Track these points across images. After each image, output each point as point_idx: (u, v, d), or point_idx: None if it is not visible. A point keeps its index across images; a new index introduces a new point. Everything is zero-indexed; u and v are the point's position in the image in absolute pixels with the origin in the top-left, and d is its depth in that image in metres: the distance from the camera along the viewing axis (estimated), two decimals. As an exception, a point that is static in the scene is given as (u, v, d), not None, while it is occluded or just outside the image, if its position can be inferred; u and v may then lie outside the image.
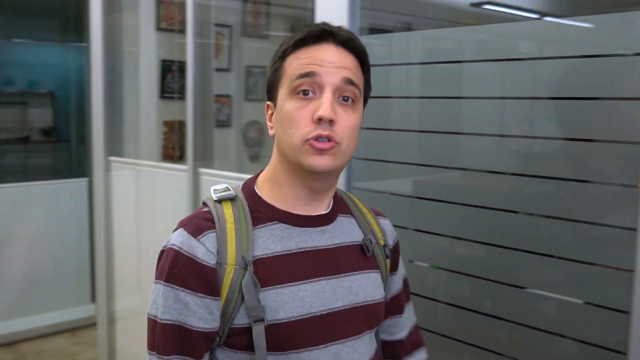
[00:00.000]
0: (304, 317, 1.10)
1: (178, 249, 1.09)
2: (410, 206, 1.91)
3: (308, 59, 1.09)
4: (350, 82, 1.09)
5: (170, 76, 3.39)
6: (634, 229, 1.38)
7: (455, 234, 1.81)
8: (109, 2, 3.25)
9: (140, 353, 3.16)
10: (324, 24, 1.14)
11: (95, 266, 3.49)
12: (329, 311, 1.12)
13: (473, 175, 1.80)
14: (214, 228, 1.10)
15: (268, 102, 1.19)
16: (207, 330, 1.08)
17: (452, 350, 1.79)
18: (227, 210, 1.13)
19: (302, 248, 1.14)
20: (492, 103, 1.76)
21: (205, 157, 2.82)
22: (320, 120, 1.06)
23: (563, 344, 1.60)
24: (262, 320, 1.06)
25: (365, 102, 1.18)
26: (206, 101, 2.91)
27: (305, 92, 1.08)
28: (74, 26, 5.03)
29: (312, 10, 1.99)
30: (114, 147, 3.33)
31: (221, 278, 1.08)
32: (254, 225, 1.13)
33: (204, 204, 1.17)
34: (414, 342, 1.36)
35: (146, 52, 3.44)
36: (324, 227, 1.18)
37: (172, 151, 3.40)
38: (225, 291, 1.08)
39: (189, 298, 1.07)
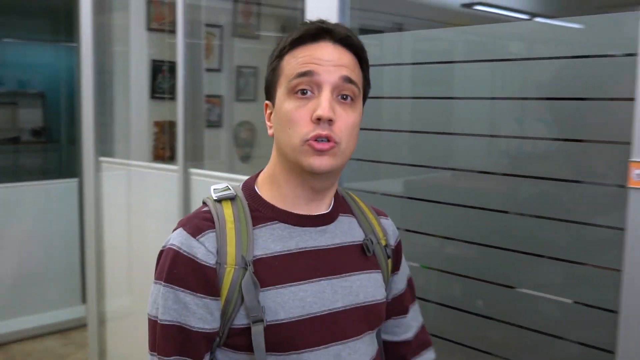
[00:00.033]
0: (304, 317, 1.09)
1: (177, 249, 1.08)
2: (401, 206, 1.91)
3: (305, 57, 1.08)
4: (348, 80, 1.08)
5: (161, 76, 3.38)
6: (622, 229, 1.38)
7: (445, 234, 1.81)
8: (99, 2, 3.24)
9: (130, 354, 3.16)
10: (321, 21, 1.12)
11: (86, 267, 3.48)
12: (329, 311, 1.12)
13: (464, 176, 1.80)
14: (214, 228, 1.10)
15: (267, 102, 1.18)
16: (207, 331, 1.08)
17: (442, 350, 1.79)
18: (227, 209, 1.13)
19: (302, 248, 1.13)
20: (483, 103, 1.76)
21: (195, 158, 2.82)
22: (319, 119, 1.05)
23: (553, 344, 1.60)
24: (262, 320, 1.05)
25: (364, 99, 1.17)
26: (197, 101, 2.90)
27: (303, 92, 1.07)
28: (64, 26, 5.01)
29: (302, 11, 1.99)
30: (105, 147, 3.31)
31: (221, 278, 1.07)
32: (254, 225, 1.12)
33: (204, 203, 1.17)
34: (421, 342, 1.34)
35: (137, 52, 3.44)
36: (324, 227, 1.17)
37: (163, 151, 3.39)
38: (225, 291, 1.07)
39: (188, 298, 1.06)
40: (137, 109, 3.44)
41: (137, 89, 3.41)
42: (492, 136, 1.77)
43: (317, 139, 1.05)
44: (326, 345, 1.10)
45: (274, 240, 1.12)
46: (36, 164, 5.51)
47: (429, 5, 2.23)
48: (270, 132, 1.17)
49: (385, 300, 1.24)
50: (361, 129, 1.16)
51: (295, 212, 1.15)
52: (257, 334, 1.04)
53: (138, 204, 3.09)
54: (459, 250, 1.81)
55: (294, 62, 1.09)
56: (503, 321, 1.69)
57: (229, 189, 1.17)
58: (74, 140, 4.76)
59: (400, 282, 1.32)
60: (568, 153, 1.60)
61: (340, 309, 1.13)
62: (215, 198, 1.14)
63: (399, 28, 2.17)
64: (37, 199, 4.43)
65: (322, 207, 1.18)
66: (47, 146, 5.51)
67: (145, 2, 3.39)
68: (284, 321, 1.07)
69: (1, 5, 4.80)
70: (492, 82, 1.77)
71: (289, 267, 1.10)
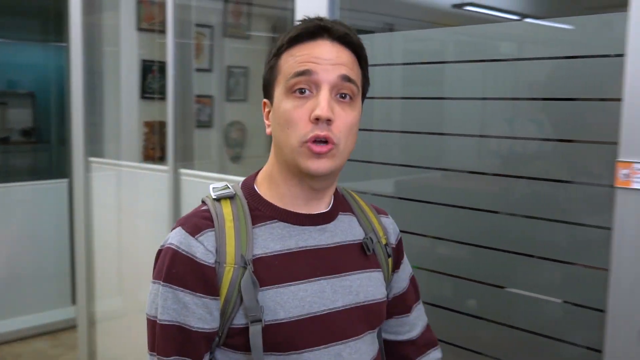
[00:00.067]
0: (304, 317, 1.08)
1: (176, 248, 1.07)
2: (392, 206, 1.91)
3: (303, 56, 1.07)
4: (347, 79, 1.07)
5: (151, 76, 3.37)
6: (609, 228, 1.39)
7: (436, 234, 1.82)
8: (89, 2, 3.23)
9: (121, 355, 3.15)
10: (319, 19, 1.11)
11: (76, 268, 3.46)
12: (329, 311, 1.11)
13: (454, 176, 1.81)
14: (213, 227, 1.08)
15: (265, 100, 1.17)
16: (207, 331, 1.07)
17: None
18: (226, 208, 1.12)
19: (302, 247, 1.12)
20: (474, 104, 1.77)
21: (185, 158, 2.81)
22: (317, 119, 1.04)
23: (543, 343, 1.61)
24: (260, 320, 1.04)
25: (363, 97, 1.17)
26: (187, 101, 2.90)
27: (301, 91, 1.06)
28: (54, 26, 4.98)
29: (292, 11, 1.99)
30: (95, 147, 3.30)
31: (220, 277, 1.06)
32: (253, 224, 1.11)
33: (203, 202, 1.16)
34: (426, 341, 1.32)
35: (127, 52, 3.43)
36: (324, 226, 1.16)
37: (153, 152, 3.39)
38: (224, 291, 1.06)
39: (187, 298, 1.05)
40: (127, 109, 3.43)
41: (127, 89, 3.40)
42: (482, 136, 1.77)
43: (316, 139, 1.04)
44: (326, 345, 1.09)
45: (273, 239, 1.11)
46: (26, 164, 5.49)
47: (420, 5, 2.24)
48: (268, 130, 1.16)
49: (385, 299, 1.23)
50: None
51: (295, 211, 1.14)
52: (255, 334, 1.04)
53: (128, 205, 3.08)
54: (450, 251, 1.82)
55: (292, 60, 1.08)
56: (493, 321, 1.70)
57: (228, 187, 1.16)
58: (64, 140, 4.75)
59: (402, 281, 1.31)
60: (558, 153, 1.61)
61: (340, 309, 1.12)
62: (214, 197, 1.13)
63: (390, 28, 2.18)
64: (27, 200, 4.41)
65: (322, 206, 1.17)
66: (37, 146, 5.48)
67: (135, 2, 3.38)
68: (283, 321, 1.06)
69: (-10, 5, 4.78)
70: (483, 82, 1.77)
71: (288, 267, 1.09)
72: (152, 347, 1.09)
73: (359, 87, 1.12)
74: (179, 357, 1.06)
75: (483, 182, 1.74)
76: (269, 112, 1.16)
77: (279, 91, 1.10)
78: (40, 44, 5.51)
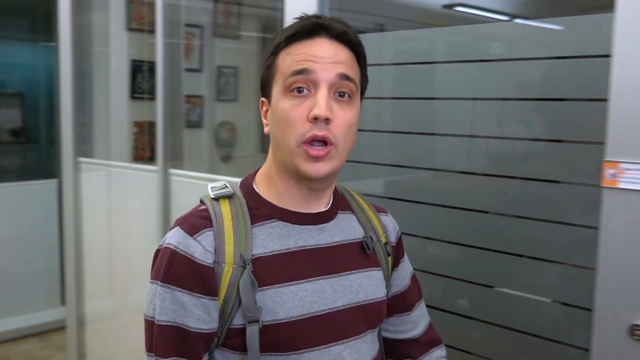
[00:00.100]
0: (304, 317, 1.07)
1: (174, 248, 1.06)
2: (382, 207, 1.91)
3: (301, 55, 1.06)
4: (346, 77, 1.06)
5: (141, 76, 3.36)
6: (596, 228, 1.40)
7: (425, 234, 1.82)
8: (79, 1, 3.22)
9: (110, 356, 3.14)
10: (317, 16, 1.10)
11: (65, 268, 3.45)
12: (329, 311, 1.10)
13: (444, 176, 1.81)
14: (211, 226, 1.08)
15: (262, 99, 1.16)
16: (205, 331, 1.06)
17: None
18: (225, 208, 1.11)
19: (301, 246, 1.11)
20: (464, 104, 1.77)
21: (175, 158, 2.80)
22: (315, 119, 1.03)
23: (532, 342, 1.62)
24: (257, 321, 1.03)
25: (362, 95, 1.15)
26: (176, 101, 2.89)
27: (299, 90, 1.05)
28: (43, 25, 4.96)
29: (282, 11, 1.99)
30: (84, 148, 3.29)
31: (219, 277, 1.05)
32: (252, 223, 1.10)
33: (201, 201, 1.15)
34: (430, 340, 1.31)
35: (116, 52, 3.42)
36: (323, 225, 1.15)
37: (143, 152, 3.37)
38: (223, 291, 1.05)
39: (186, 298, 1.04)
40: (116, 109, 3.42)
41: (116, 89, 3.39)
42: (472, 136, 1.78)
43: (314, 139, 1.03)
44: (327, 345, 1.09)
45: (272, 239, 1.10)
46: (15, 164, 5.45)
47: (410, 6, 2.24)
48: (266, 129, 1.15)
49: (385, 298, 1.22)
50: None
51: (294, 210, 1.13)
52: (252, 335, 1.03)
53: (118, 205, 3.07)
54: (440, 250, 1.82)
55: (290, 59, 1.07)
56: (483, 320, 1.70)
57: (227, 186, 1.15)
58: (53, 140, 4.72)
59: (402, 279, 1.30)
60: (548, 153, 1.62)
61: (341, 308, 1.11)
62: (212, 196, 1.12)
63: (380, 29, 2.18)
64: (16, 200, 4.39)
65: (321, 205, 1.16)
66: (26, 146, 5.44)
67: (125, 1, 3.37)
68: (283, 321, 1.05)
69: (-21, 4, 4.75)
70: (473, 82, 1.78)
71: (288, 266, 1.09)
72: (150, 347, 1.08)
73: (358, 86, 1.11)
74: (177, 357, 1.05)
75: (473, 182, 1.75)
76: (266, 111, 1.15)
77: (276, 90, 1.09)
78: (29, 43, 5.48)
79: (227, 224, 1.08)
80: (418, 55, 1.92)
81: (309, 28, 1.08)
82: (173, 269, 1.05)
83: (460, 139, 1.79)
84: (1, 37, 5.26)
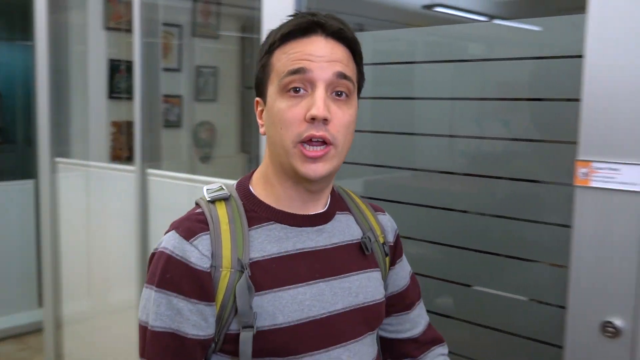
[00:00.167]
0: (303, 321, 1.05)
1: (170, 252, 1.03)
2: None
3: (297, 53, 1.04)
4: (343, 76, 1.04)
5: (119, 76, 3.34)
6: (569, 226, 1.42)
7: (404, 233, 1.82)
8: (55, 0, 3.18)
9: (88, 358, 3.11)
10: (312, 14, 1.07)
11: (42, 270, 3.41)
12: (329, 314, 1.08)
13: (423, 175, 1.82)
14: (208, 230, 1.05)
15: (257, 99, 1.14)
16: (202, 338, 1.03)
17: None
18: (221, 210, 1.08)
19: (300, 249, 1.09)
20: (443, 103, 1.78)
21: (153, 158, 2.79)
22: (313, 119, 1.01)
23: (508, 340, 1.63)
24: (252, 327, 1.01)
25: (359, 93, 1.14)
26: (154, 101, 2.88)
27: (296, 90, 1.03)
28: (20, 24, 4.90)
29: (259, 11, 1.98)
30: (62, 148, 3.26)
31: (216, 282, 1.03)
32: (249, 226, 1.08)
33: (197, 204, 1.12)
34: (430, 339, 1.30)
35: (94, 51, 3.39)
36: (321, 226, 1.13)
37: (121, 152, 3.35)
38: (220, 296, 1.03)
39: (182, 304, 1.02)
40: (94, 109, 3.39)
41: (94, 89, 3.36)
42: (450, 136, 1.79)
43: (312, 139, 1.02)
44: (326, 349, 1.07)
45: (270, 242, 1.08)
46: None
47: (390, 6, 2.25)
48: (261, 130, 1.13)
49: (384, 299, 1.20)
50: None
51: (292, 212, 1.11)
52: (245, 341, 1.01)
53: (95, 205, 3.04)
54: (418, 249, 1.83)
55: (285, 58, 1.05)
56: (461, 319, 1.72)
57: (223, 189, 1.13)
58: (30, 140, 4.67)
59: (401, 279, 1.29)
60: (525, 153, 1.63)
61: (340, 311, 1.10)
62: (208, 199, 1.10)
63: (360, 28, 2.18)
64: (-7, 201, 4.34)
65: (319, 206, 1.15)
66: (3, 147, 5.38)
67: (103, 0, 3.34)
68: (282, 325, 1.03)
69: (-46, 2, 4.68)
70: (452, 82, 1.79)
71: (287, 270, 1.07)
72: (143, 353, 1.05)
73: (355, 84, 1.09)
74: None
75: (451, 181, 1.75)
76: (262, 111, 1.13)
77: (272, 90, 1.07)
78: (5, 42, 5.41)
79: (224, 227, 1.06)
80: (397, 55, 1.92)
81: (304, 26, 1.06)
82: (169, 274, 1.03)
83: (439, 138, 1.80)
84: (-23, 36, 5.20)
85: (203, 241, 1.04)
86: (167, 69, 3.36)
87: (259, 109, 1.14)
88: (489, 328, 1.66)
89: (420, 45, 1.89)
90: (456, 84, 1.77)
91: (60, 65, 3.24)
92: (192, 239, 1.04)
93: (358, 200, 1.27)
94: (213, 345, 1.06)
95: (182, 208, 1.18)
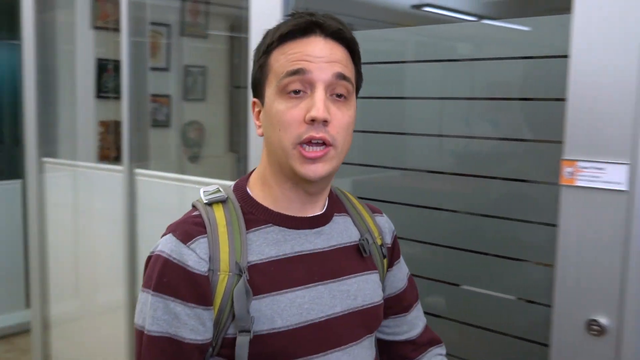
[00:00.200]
0: (302, 325, 1.04)
1: (167, 256, 1.02)
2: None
3: (296, 54, 1.03)
4: (342, 76, 1.04)
5: (106, 75, 3.32)
6: (555, 225, 1.43)
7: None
8: (43, -1, 3.17)
9: (76, 358, 3.09)
10: (310, 13, 1.07)
11: (30, 270, 3.39)
12: (327, 317, 1.07)
13: (412, 175, 1.83)
14: (205, 233, 1.04)
15: (254, 100, 1.13)
16: (200, 342, 1.02)
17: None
18: (219, 213, 1.07)
19: (298, 252, 1.09)
20: (432, 103, 1.79)
21: (141, 158, 2.77)
22: (313, 121, 1.00)
23: (496, 338, 1.64)
24: (249, 331, 1.00)
25: (357, 93, 1.13)
26: (142, 101, 2.86)
27: (295, 91, 1.02)
28: (7, 23, 4.87)
29: (247, 10, 1.98)
30: (49, 148, 3.24)
31: (214, 286, 1.02)
32: (247, 229, 1.07)
33: (194, 207, 1.11)
34: (427, 340, 1.29)
35: (82, 50, 3.37)
36: (320, 229, 1.13)
37: (109, 152, 3.34)
38: (218, 300, 1.02)
39: (179, 308, 1.00)
40: (82, 109, 3.37)
41: (82, 88, 3.35)
42: (439, 135, 1.79)
43: (311, 140, 1.01)
44: (325, 353, 1.06)
45: (268, 245, 1.07)
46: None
47: (379, 5, 2.25)
48: (259, 132, 1.12)
49: (382, 302, 1.20)
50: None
51: (290, 214, 1.10)
52: (241, 345, 1.00)
53: (83, 206, 3.03)
54: (406, 249, 1.83)
55: (284, 59, 1.04)
56: (449, 318, 1.72)
57: (220, 191, 1.11)
58: (18, 140, 4.64)
59: (398, 281, 1.28)
60: (515, 152, 1.64)
61: (339, 314, 1.09)
62: (205, 201, 1.09)
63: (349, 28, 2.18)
64: (-21, 201, 4.31)
65: (317, 208, 1.14)
66: (-10, 147, 5.35)
67: (90, -1, 3.33)
68: (281, 329, 1.02)
69: (-60, 1, 4.64)
70: (441, 82, 1.79)
71: (285, 273, 1.06)
72: (139, 358, 1.04)
73: (354, 84, 1.09)
74: None
75: (440, 181, 1.76)
76: (259, 112, 1.12)
77: (270, 91, 1.06)
78: (-7, 41, 5.38)
79: (222, 230, 1.05)
80: (386, 55, 1.93)
81: (302, 26, 1.05)
82: (166, 278, 1.02)
83: (428, 138, 1.80)
84: (-37, 35, 5.16)
85: (201, 244, 1.03)
86: (155, 69, 3.34)
87: (256, 109, 1.13)
88: (477, 327, 1.67)
89: (409, 45, 1.89)
90: (445, 83, 1.78)
91: (48, 65, 3.22)
92: (189, 243, 1.03)
93: (355, 202, 1.26)
94: (210, 349, 1.05)
95: (171, 208, 1.18)
